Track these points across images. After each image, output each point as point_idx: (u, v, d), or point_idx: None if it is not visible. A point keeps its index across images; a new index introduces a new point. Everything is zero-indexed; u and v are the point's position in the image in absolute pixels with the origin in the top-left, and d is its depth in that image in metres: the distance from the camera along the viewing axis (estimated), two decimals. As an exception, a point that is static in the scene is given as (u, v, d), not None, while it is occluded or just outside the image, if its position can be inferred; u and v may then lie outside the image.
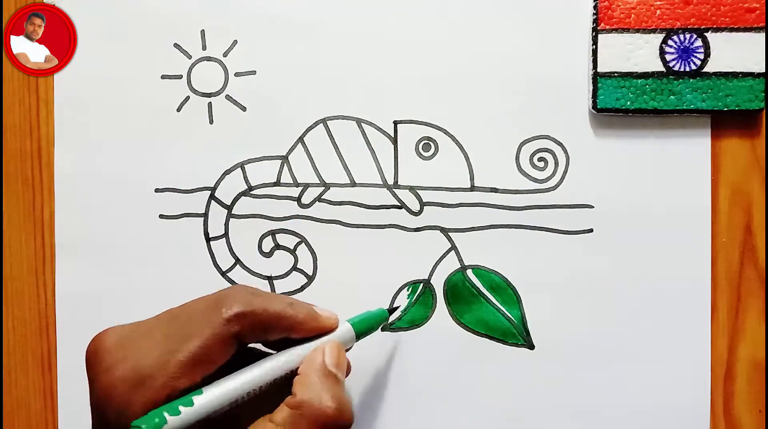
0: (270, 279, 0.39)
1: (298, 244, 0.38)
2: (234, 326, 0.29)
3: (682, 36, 0.36)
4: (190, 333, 0.28)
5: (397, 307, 0.37)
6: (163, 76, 0.39)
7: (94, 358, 0.28)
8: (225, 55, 0.38)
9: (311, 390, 0.28)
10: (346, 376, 0.31)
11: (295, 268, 0.38)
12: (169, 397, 0.27)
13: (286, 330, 0.30)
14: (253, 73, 0.38)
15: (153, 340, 0.28)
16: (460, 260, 0.38)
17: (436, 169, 0.38)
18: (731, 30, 0.36)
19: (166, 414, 0.26)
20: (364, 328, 0.33)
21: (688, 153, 0.37)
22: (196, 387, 0.28)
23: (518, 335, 0.38)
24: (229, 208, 0.38)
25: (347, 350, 0.32)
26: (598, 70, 0.36)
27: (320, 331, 0.31)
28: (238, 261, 0.38)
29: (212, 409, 0.27)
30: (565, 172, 0.37)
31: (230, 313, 0.29)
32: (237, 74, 0.38)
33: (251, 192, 0.38)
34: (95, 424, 0.28)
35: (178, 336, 0.28)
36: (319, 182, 0.38)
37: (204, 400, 0.27)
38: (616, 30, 0.36)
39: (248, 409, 0.29)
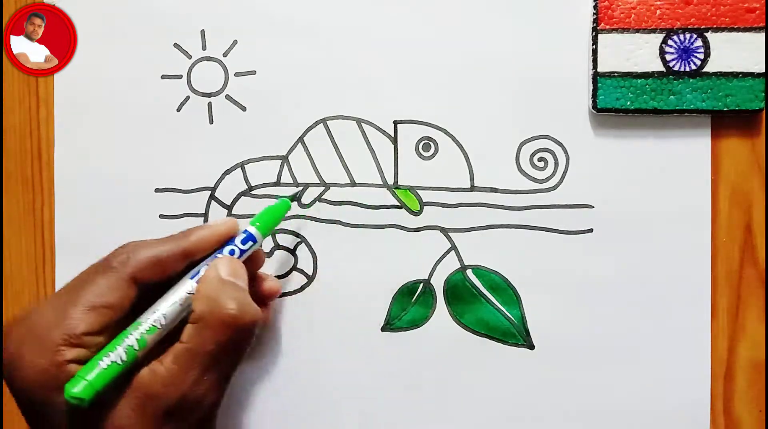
0: (270, 279, 0.39)
1: (298, 244, 0.38)
2: (126, 269, 0.29)
3: (682, 36, 0.36)
4: (80, 286, 0.29)
5: (299, 191, 0.37)
6: (163, 76, 0.39)
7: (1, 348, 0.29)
8: (225, 55, 0.38)
9: (209, 301, 0.29)
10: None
11: (295, 268, 0.38)
12: (68, 345, 0.27)
13: (182, 258, 0.31)
14: (253, 73, 0.38)
15: (47, 304, 0.29)
16: (460, 260, 0.38)
17: (436, 169, 0.38)
18: (731, 30, 0.36)
19: (88, 376, 0.27)
20: (266, 223, 0.34)
21: (688, 153, 0.37)
22: (102, 336, 0.28)
23: (518, 335, 0.38)
24: (229, 208, 0.38)
25: (254, 248, 0.33)
26: (598, 70, 0.36)
27: (219, 242, 0.32)
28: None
29: (129, 354, 0.28)
30: (565, 172, 0.37)
31: (118, 260, 0.29)
32: (237, 74, 0.38)
33: (251, 192, 0.38)
34: (24, 410, 0.29)
35: (70, 293, 0.29)
36: (319, 182, 0.38)
37: (119, 346, 0.28)
38: (616, 30, 0.36)
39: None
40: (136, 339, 0.28)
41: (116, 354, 0.28)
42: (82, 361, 0.28)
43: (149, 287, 0.30)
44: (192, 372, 0.28)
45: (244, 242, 0.33)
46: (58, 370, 0.27)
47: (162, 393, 0.27)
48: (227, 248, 0.32)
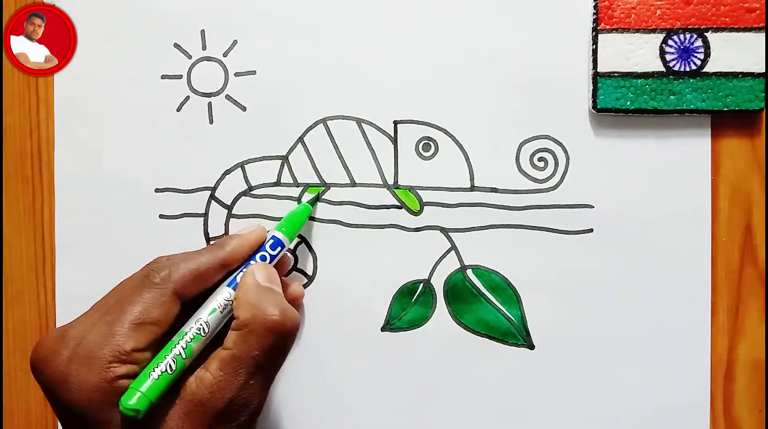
0: (270, 279, 0.39)
1: (298, 244, 0.38)
2: (168, 285, 0.30)
3: (682, 36, 0.36)
4: (126, 302, 0.29)
5: (319, 193, 0.37)
6: (163, 76, 0.39)
7: (36, 364, 0.29)
8: (225, 55, 0.38)
9: (252, 308, 0.30)
10: (291, 270, 0.35)
11: (295, 268, 0.38)
12: (119, 362, 0.28)
13: (220, 269, 0.32)
14: (253, 73, 0.38)
15: (90, 321, 0.29)
16: (460, 260, 0.38)
17: (436, 169, 0.38)
18: (731, 30, 0.36)
19: (142, 388, 0.27)
20: (291, 228, 0.35)
21: (688, 153, 0.37)
22: (149, 351, 0.29)
23: (518, 335, 0.38)
24: (230, 208, 0.38)
25: (288, 249, 0.35)
26: (598, 70, 0.36)
27: (252, 249, 0.33)
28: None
29: (179, 363, 0.29)
30: (565, 172, 0.37)
31: (160, 276, 0.30)
32: (237, 74, 0.38)
33: (251, 192, 0.38)
34: (63, 426, 0.29)
35: (115, 310, 0.29)
36: (319, 182, 0.38)
37: (168, 355, 0.29)
38: (616, 30, 0.36)
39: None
40: (183, 348, 0.29)
41: (165, 364, 0.28)
42: (131, 377, 0.28)
43: (188, 299, 0.31)
44: (238, 377, 0.28)
45: (273, 247, 0.34)
46: (110, 387, 0.27)
47: (210, 399, 0.28)
48: (259, 254, 0.33)
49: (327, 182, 0.38)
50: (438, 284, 0.38)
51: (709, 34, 0.36)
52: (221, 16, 0.38)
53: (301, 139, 0.38)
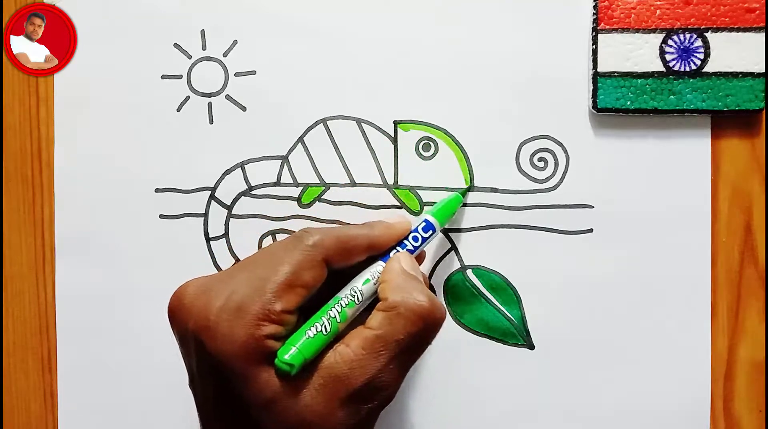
0: (270, 279, 0.38)
1: (298, 244, 0.38)
2: (319, 250, 0.30)
3: (682, 36, 0.36)
4: (278, 262, 0.29)
5: (470, 186, 0.38)
6: (163, 76, 0.39)
7: (180, 309, 0.29)
8: (225, 55, 0.38)
9: (401, 290, 0.29)
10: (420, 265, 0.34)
11: (295, 268, 0.38)
12: (268, 321, 0.27)
13: (367, 248, 0.32)
14: (253, 73, 0.38)
15: (240, 277, 0.29)
16: (460, 260, 0.38)
17: (436, 169, 0.38)
18: (731, 30, 0.36)
19: (297, 344, 0.28)
20: (443, 214, 0.35)
21: (688, 153, 0.37)
22: (295, 315, 0.29)
23: (518, 335, 0.38)
24: (229, 208, 0.38)
25: (432, 238, 0.34)
26: (598, 70, 0.36)
27: (398, 238, 0.33)
28: (238, 261, 0.38)
29: (329, 330, 0.29)
30: (565, 172, 0.37)
31: (313, 240, 0.30)
32: (237, 74, 0.38)
33: (251, 192, 0.38)
34: (197, 375, 0.29)
35: (266, 267, 0.29)
36: (319, 182, 0.38)
37: (319, 320, 0.29)
38: (616, 30, 0.36)
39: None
40: (338, 312, 0.29)
41: (321, 325, 0.29)
42: (277, 338, 0.28)
43: (332, 273, 0.31)
44: (380, 359, 0.28)
45: (425, 230, 0.34)
46: (257, 344, 0.27)
47: (347, 375, 0.28)
48: (411, 235, 0.33)
49: (327, 182, 0.38)
50: (438, 284, 0.38)
51: (709, 34, 0.36)
52: (221, 16, 0.38)
53: (301, 139, 0.38)
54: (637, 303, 0.37)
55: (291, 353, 0.27)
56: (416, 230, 0.34)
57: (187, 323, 0.28)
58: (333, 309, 0.29)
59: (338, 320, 0.29)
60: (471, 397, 0.38)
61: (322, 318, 0.29)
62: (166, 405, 0.39)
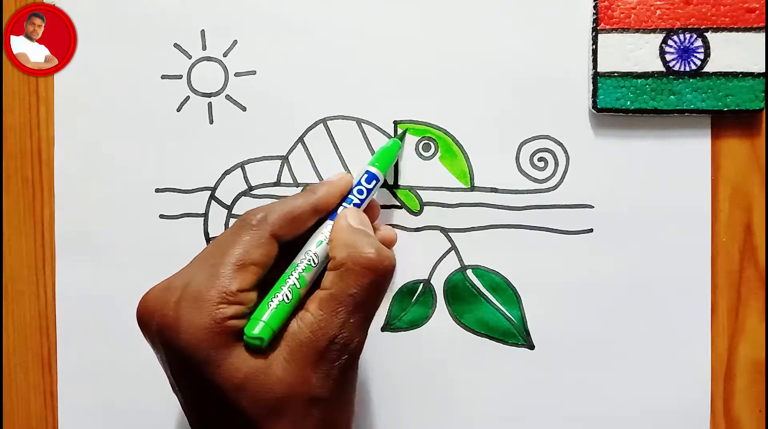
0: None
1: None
2: (265, 226, 0.30)
3: (682, 36, 0.36)
4: (227, 246, 0.30)
5: (406, 130, 0.38)
6: (163, 76, 0.39)
7: (144, 314, 0.30)
8: (225, 55, 0.38)
9: (347, 246, 0.30)
10: (376, 217, 0.35)
11: (295, 268, 0.38)
12: (226, 303, 0.28)
13: (313, 213, 0.32)
14: (253, 73, 0.38)
15: (193, 269, 0.30)
16: (460, 260, 0.38)
17: (436, 169, 0.38)
18: (731, 30, 0.36)
19: (263, 318, 0.28)
20: (383, 162, 0.35)
21: (688, 153, 0.37)
22: (253, 292, 0.29)
23: (518, 335, 0.38)
24: (230, 208, 0.38)
25: (376, 188, 0.35)
26: (598, 70, 0.36)
27: (342, 194, 0.33)
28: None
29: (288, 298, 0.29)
30: (565, 172, 0.37)
31: (257, 218, 0.30)
32: (237, 74, 0.38)
33: (251, 192, 0.38)
34: (179, 374, 0.29)
35: (217, 254, 0.30)
36: (319, 182, 0.38)
37: (276, 291, 0.29)
38: (616, 30, 0.36)
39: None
40: (296, 279, 0.30)
41: (282, 294, 0.29)
42: (239, 317, 0.28)
43: (283, 245, 0.31)
44: (338, 316, 0.29)
45: (368, 181, 0.34)
46: (220, 327, 0.28)
47: (311, 339, 0.28)
48: (356, 188, 0.34)
49: (327, 182, 0.38)
50: (438, 284, 0.38)
51: (709, 34, 0.36)
52: (221, 16, 0.38)
53: (301, 139, 0.38)
54: (637, 303, 0.37)
55: (259, 327, 0.28)
56: (359, 183, 0.34)
57: (152, 325, 0.29)
58: (291, 276, 0.30)
59: (298, 286, 0.30)
60: (471, 397, 0.38)
61: (282, 287, 0.30)
62: (166, 405, 0.39)
